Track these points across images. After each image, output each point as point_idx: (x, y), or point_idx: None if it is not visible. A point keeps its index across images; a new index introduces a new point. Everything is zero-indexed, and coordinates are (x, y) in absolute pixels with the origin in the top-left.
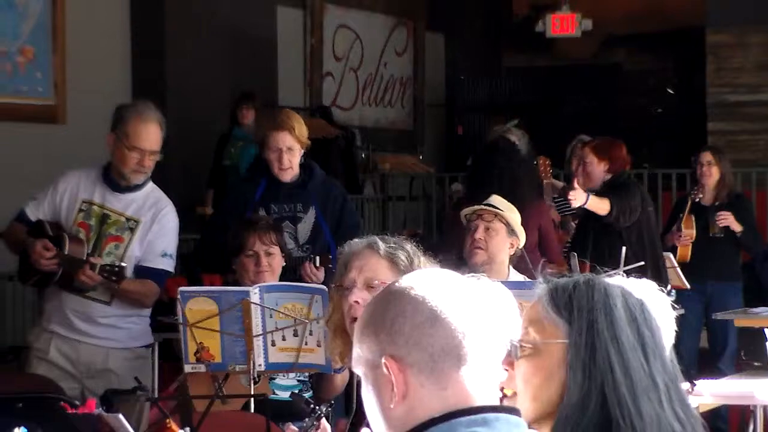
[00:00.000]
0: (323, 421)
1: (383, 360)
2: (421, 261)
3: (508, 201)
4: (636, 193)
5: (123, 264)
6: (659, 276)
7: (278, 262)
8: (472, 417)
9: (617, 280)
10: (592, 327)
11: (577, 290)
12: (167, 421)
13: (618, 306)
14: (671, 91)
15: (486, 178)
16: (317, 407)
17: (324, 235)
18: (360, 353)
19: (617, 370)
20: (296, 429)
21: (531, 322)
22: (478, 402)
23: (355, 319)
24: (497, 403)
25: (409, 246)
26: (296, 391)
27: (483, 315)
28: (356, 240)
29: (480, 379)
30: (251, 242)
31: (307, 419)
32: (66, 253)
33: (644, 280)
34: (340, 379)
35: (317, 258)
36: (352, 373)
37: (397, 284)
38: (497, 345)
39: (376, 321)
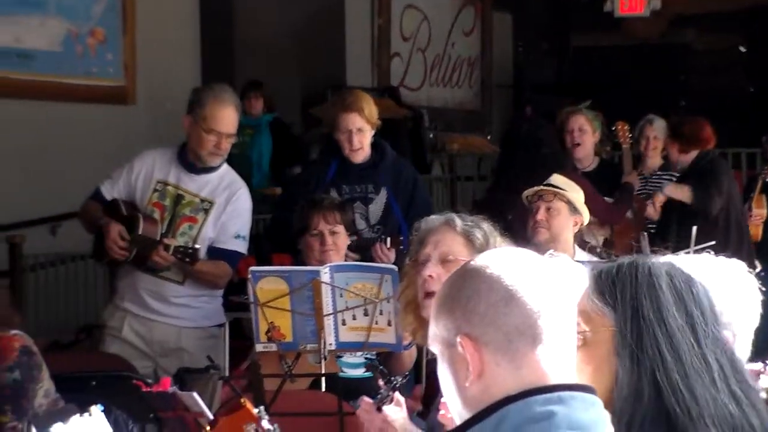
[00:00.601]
0: (397, 393)
1: (458, 339)
2: (497, 240)
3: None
4: (722, 180)
5: (197, 246)
6: (745, 260)
7: (343, 241)
8: (548, 395)
9: (664, 258)
10: (638, 312)
11: (620, 274)
12: (242, 399)
13: (663, 287)
14: (743, 49)
15: (507, 164)
16: (392, 378)
17: (395, 215)
18: (436, 331)
19: (666, 356)
20: (371, 401)
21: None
22: (554, 381)
23: (428, 294)
24: (573, 382)
25: (486, 225)
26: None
27: (558, 294)
28: (434, 216)
29: (555, 358)
30: (315, 222)
31: (382, 390)
32: (140, 233)
33: (733, 259)
34: (408, 357)
35: (388, 239)
36: (420, 350)
37: (473, 263)
38: (572, 324)
39: (452, 299)
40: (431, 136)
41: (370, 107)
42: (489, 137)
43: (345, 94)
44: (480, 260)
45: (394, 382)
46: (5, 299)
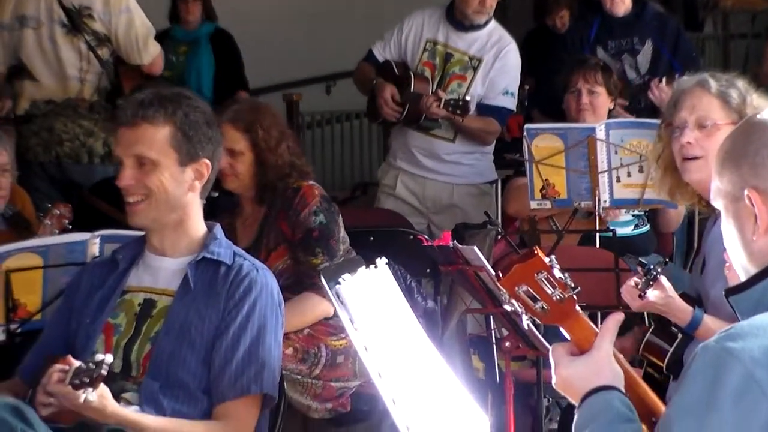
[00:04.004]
0: (662, 279)
1: (746, 192)
2: (753, 98)
3: None
4: None
5: (467, 98)
6: None
7: (602, 102)
8: None
9: None
10: None
11: None
12: (534, 248)
13: None
14: None
15: None
16: (651, 267)
17: (666, 59)
18: (720, 186)
19: None
20: (633, 287)
21: None
22: None
23: (686, 159)
24: None
25: (741, 83)
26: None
27: None
28: (686, 77)
29: None
30: (575, 79)
31: (642, 279)
32: (412, 90)
33: None
34: (676, 214)
35: (663, 79)
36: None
37: (758, 116)
38: None
39: (738, 154)
40: None
41: None
42: None
43: None
44: (765, 114)
45: (653, 273)
46: (301, 152)
